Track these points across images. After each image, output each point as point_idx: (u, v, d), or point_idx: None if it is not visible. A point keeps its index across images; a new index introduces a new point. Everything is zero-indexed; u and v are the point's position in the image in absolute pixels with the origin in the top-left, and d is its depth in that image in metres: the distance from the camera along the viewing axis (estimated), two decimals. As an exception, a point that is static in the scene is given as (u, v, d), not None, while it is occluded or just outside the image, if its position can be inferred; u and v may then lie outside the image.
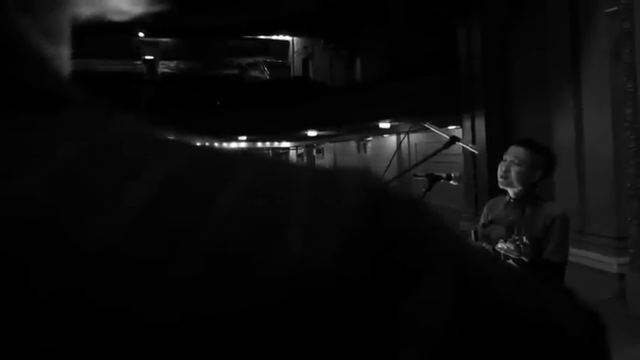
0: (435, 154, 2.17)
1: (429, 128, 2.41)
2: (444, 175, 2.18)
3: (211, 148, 0.24)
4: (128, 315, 0.19)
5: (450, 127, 10.19)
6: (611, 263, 5.39)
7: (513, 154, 2.24)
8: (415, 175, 2.22)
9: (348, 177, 0.24)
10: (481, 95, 8.19)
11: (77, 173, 0.21)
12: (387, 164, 2.31)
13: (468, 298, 0.23)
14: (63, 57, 0.28)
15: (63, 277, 0.19)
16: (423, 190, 2.13)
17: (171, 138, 0.25)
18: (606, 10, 5.49)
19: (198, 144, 0.24)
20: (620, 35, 5.16)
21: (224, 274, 0.20)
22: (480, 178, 8.06)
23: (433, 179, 2.15)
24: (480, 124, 8.26)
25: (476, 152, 2.80)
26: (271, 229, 0.21)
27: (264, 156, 0.25)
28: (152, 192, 0.21)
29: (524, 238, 2.04)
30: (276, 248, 0.20)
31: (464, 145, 2.38)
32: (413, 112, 9.87)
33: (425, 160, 2.22)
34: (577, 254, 5.52)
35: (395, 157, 12.82)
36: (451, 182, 2.20)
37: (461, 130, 9.09)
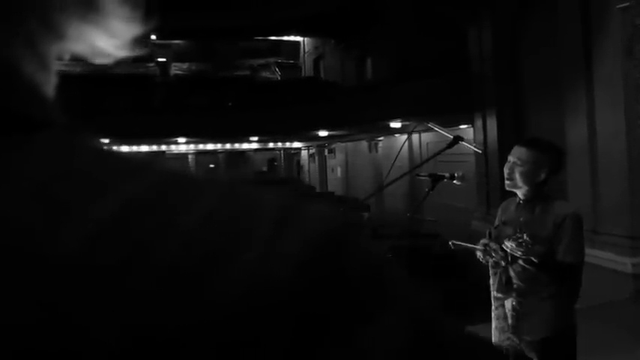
0: (438, 153, 2.16)
1: (440, 127, 2.40)
2: (447, 174, 2.16)
3: (180, 174, 0.26)
4: (79, 318, 0.20)
5: (462, 127, 10.14)
6: (625, 263, 5.32)
7: (516, 155, 2.20)
8: (418, 175, 2.20)
9: (313, 215, 0.25)
10: (492, 94, 8.14)
11: (46, 191, 0.23)
12: (392, 165, 2.31)
13: (419, 339, 0.24)
14: (51, 83, 0.31)
15: (24, 281, 0.20)
16: (427, 189, 2.11)
17: (143, 161, 0.26)
18: (618, 6, 5.43)
19: (168, 169, 0.26)
20: (633, 31, 5.10)
21: (175, 289, 0.21)
22: (492, 177, 8.00)
23: (436, 179, 2.12)
24: (492, 124, 8.21)
25: (479, 151, 2.78)
26: (226, 254, 0.22)
27: (233, 185, 0.26)
28: (116, 211, 0.22)
29: (525, 236, 2.01)
30: (228, 272, 0.22)
31: (467, 145, 2.36)
32: (424, 112, 9.83)
33: (428, 159, 2.21)
34: (590, 254, 5.44)
35: (407, 157, 12.78)
36: (454, 182, 2.17)
37: (472, 129, 9.04)
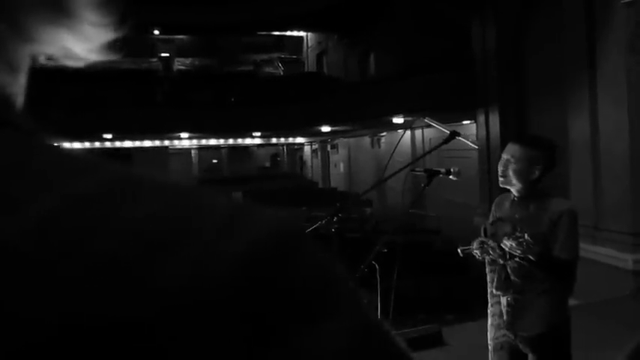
0: (434, 149, 2.16)
1: (437, 122, 2.40)
2: (442, 170, 2.15)
3: (130, 173, 0.27)
4: (12, 305, 0.21)
5: (464, 123, 10.12)
6: (626, 260, 5.33)
7: (510, 152, 2.17)
8: (413, 171, 2.19)
9: (262, 219, 0.26)
10: (495, 91, 8.12)
11: None
12: (388, 160, 2.31)
13: (359, 347, 0.25)
14: (18, 84, 0.31)
15: None
16: (422, 185, 2.11)
17: (95, 161, 0.27)
18: (622, 1, 5.40)
19: (119, 168, 0.27)
20: (637, 27, 5.07)
21: (111, 280, 0.22)
22: (494, 174, 7.99)
23: (432, 174, 2.11)
24: (494, 120, 8.19)
25: (476, 147, 2.77)
26: (167, 249, 0.23)
27: (183, 185, 0.27)
28: (57, 205, 0.24)
29: (526, 235, 2.01)
30: (167, 267, 0.23)
31: (464, 140, 2.35)
32: (426, 108, 9.83)
33: (424, 155, 2.22)
34: (592, 250, 5.46)
35: (409, 153, 12.77)
36: (450, 177, 2.17)
37: (475, 125, 9.02)
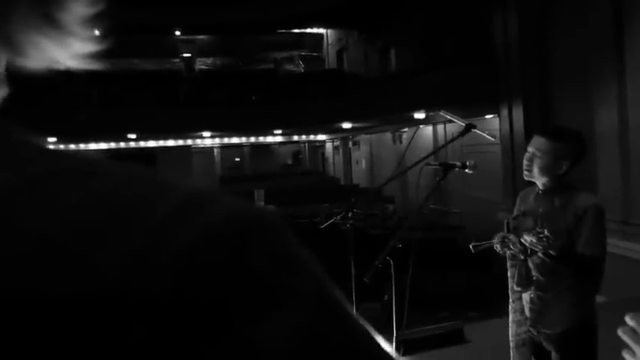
0: (450, 142, 2.12)
1: (452, 115, 2.36)
2: (458, 163, 2.10)
3: (82, 158, 0.27)
4: None
5: (487, 117, 9.95)
6: (657, 255, 5.16)
7: (535, 145, 2.09)
8: (429, 164, 2.15)
9: (222, 204, 0.26)
10: (518, 83, 7.94)
11: None
12: (403, 155, 2.28)
13: (314, 337, 0.24)
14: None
15: None
16: (437, 179, 2.07)
17: (51, 150, 0.27)
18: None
19: (74, 155, 0.27)
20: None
21: (48, 259, 0.22)
22: (518, 168, 7.83)
23: (447, 168, 2.08)
24: (518, 113, 8.02)
25: (492, 139, 2.70)
26: (110, 233, 0.23)
27: (138, 171, 0.27)
28: (7, 187, 0.24)
29: (546, 231, 1.95)
30: (109, 249, 0.22)
31: (480, 133, 2.28)
32: (448, 102, 9.68)
33: (440, 148, 2.18)
34: (620, 246, 5.30)
35: (432, 148, 12.63)
36: (466, 170, 2.12)
37: (498, 119, 8.86)
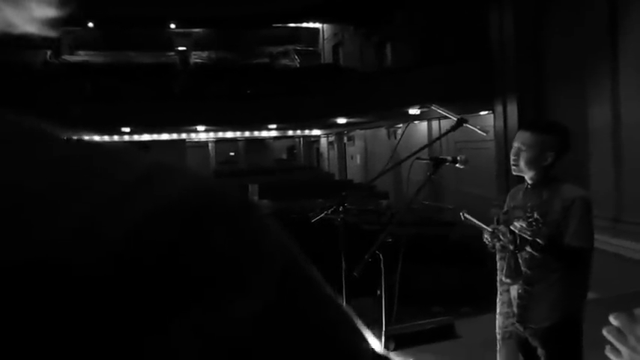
0: (441, 136, 2.13)
1: (444, 110, 2.36)
2: (449, 158, 2.11)
3: (40, 131, 0.26)
4: None
5: (482, 113, 9.96)
6: (648, 252, 5.20)
7: (520, 139, 2.12)
8: (419, 159, 2.15)
9: (184, 180, 0.25)
10: (513, 80, 7.96)
11: None
12: (393, 151, 2.28)
13: (278, 322, 0.23)
14: None
15: None
16: (428, 173, 2.07)
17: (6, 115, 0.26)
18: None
19: (29, 125, 0.26)
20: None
21: None
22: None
23: (438, 162, 2.08)
24: (512, 110, 8.04)
25: (484, 134, 2.71)
26: (56, 204, 0.22)
27: (97, 145, 0.26)
28: None
29: (535, 214, 1.97)
30: (53, 221, 0.22)
31: (472, 127, 2.29)
32: (443, 98, 9.68)
33: (431, 143, 2.18)
34: (612, 243, 5.34)
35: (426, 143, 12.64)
36: (457, 165, 2.13)
37: (493, 115, 8.88)
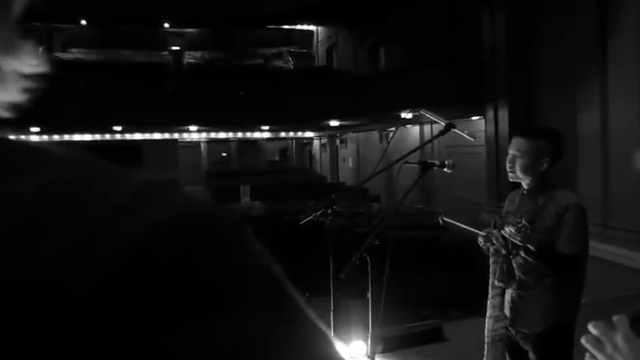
0: (430, 141, 2.14)
1: (432, 114, 2.37)
2: (437, 162, 2.12)
3: (30, 146, 0.26)
4: None
5: (474, 118, 10.02)
6: (634, 258, 5.25)
7: (516, 146, 2.13)
8: (407, 163, 2.16)
9: (176, 198, 0.25)
10: (505, 85, 8.02)
11: None
12: (382, 155, 2.29)
13: (263, 341, 0.23)
14: None
15: None
16: (415, 177, 2.08)
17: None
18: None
19: (20, 142, 0.26)
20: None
21: None
22: (502, 170, 7.91)
23: (426, 166, 2.09)
24: (503, 115, 8.10)
25: (472, 140, 2.73)
26: (48, 225, 0.22)
27: (89, 159, 0.26)
28: None
29: (523, 220, 1.98)
30: (46, 242, 0.22)
31: (460, 132, 2.31)
32: (435, 103, 9.73)
33: (418, 148, 2.19)
34: (600, 248, 5.38)
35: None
36: (445, 170, 2.14)
37: (484, 120, 8.93)
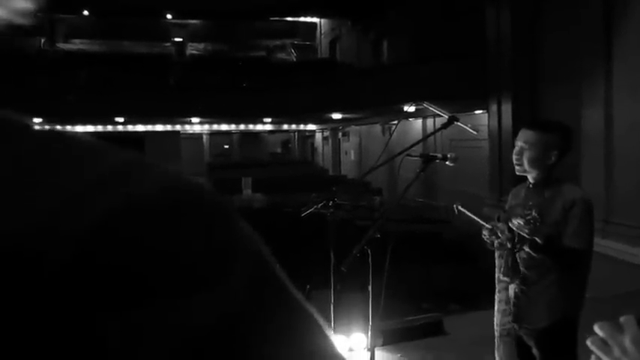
0: (433, 134, 2.12)
1: (435, 107, 2.35)
2: (439, 155, 2.10)
3: (11, 121, 0.26)
4: None
5: (477, 112, 9.98)
6: (636, 254, 5.24)
7: (523, 138, 2.09)
8: (409, 156, 2.14)
9: (159, 174, 0.25)
10: (509, 79, 7.98)
11: None
12: (383, 149, 2.27)
13: (243, 321, 0.23)
14: None
15: None
16: (417, 170, 2.06)
17: None
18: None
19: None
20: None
21: None
22: (505, 164, 7.89)
23: (428, 160, 2.07)
24: (507, 109, 8.06)
25: (475, 133, 2.71)
26: (25, 195, 0.22)
27: (72, 139, 0.26)
28: None
29: (534, 212, 1.96)
30: (19, 212, 0.22)
31: (462, 125, 2.28)
32: (439, 96, 9.69)
33: (420, 141, 2.18)
34: (602, 244, 5.37)
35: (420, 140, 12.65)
36: (447, 163, 2.12)
37: (487, 114, 8.90)
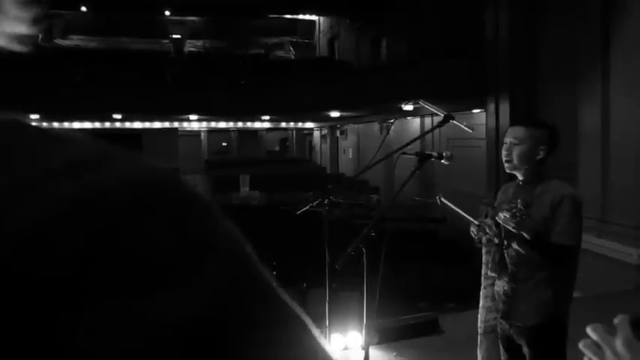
0: (429, 132, 2.13)
1: (430, 105, 2.36)
2: (435, 153, 2.11)
3: None
4: None
5: (475, 111, 9.99)
6: (631, 254, 5.26)
7: (512, 134, 2.13)
8: (405, 154, 2.15)
9: (123, 164, 0.23)
10: (506, 78, 7.99)
11: None
12: (379, 147, 2.27)
13: (212, 322, 0.22)
14: None
15: None
16: (413, 168, 2.06)
17: None
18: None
19: None
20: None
21: None
22: (502, 163, 7.90)
23: (423, 158, 2.08)
24: (505, 108, 8.07)
25: (470, 131, 2.71)
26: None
27: (31, 126, 0.25)
28: None
29: (519, 204, 1.98)
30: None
31: (458, 124, 2.30)
32: (437, 95, 9.70)
33: (416, 139, 2.18)
34: (597, 243, 5.39)
35: (418, 140, 12.66)
36: (442, 161, 2.13)
37: (485, 113, 8.91)
